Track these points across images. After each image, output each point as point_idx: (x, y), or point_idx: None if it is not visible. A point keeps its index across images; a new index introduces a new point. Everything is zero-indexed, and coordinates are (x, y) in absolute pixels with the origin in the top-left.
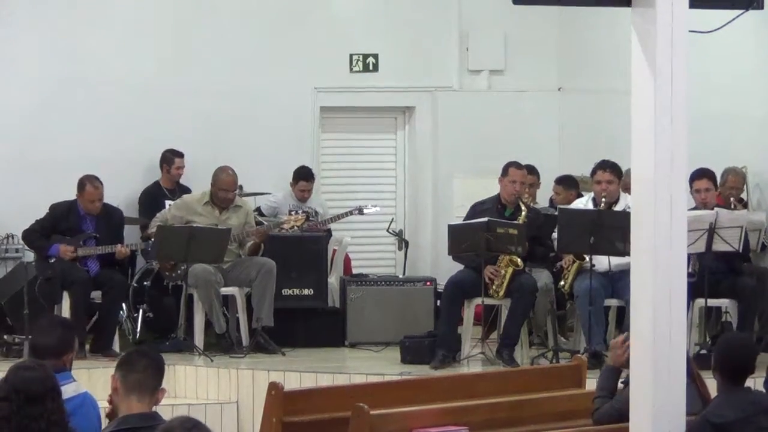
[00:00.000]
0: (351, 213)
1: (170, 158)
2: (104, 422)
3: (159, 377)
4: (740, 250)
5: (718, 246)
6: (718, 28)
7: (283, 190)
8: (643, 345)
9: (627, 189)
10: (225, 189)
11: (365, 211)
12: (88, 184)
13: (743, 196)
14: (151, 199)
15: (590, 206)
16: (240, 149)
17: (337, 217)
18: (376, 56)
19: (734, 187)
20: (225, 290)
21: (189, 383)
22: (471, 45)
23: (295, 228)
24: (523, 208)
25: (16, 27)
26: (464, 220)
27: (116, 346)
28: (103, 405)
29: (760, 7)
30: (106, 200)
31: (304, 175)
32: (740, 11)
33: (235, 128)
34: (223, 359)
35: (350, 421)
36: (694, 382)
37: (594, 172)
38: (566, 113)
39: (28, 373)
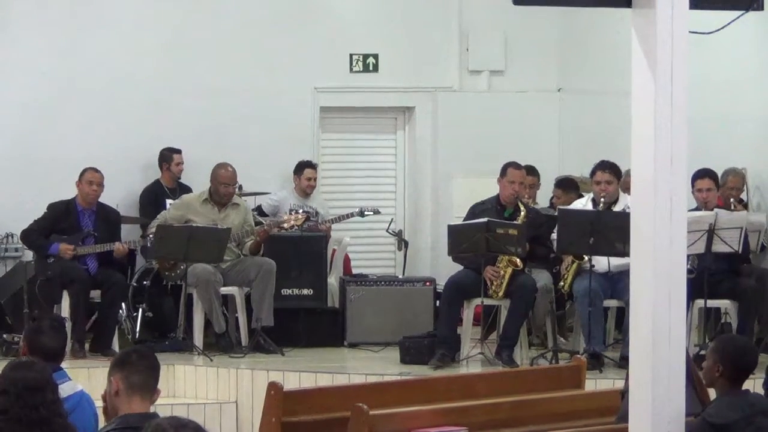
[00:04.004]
0: (352, 215)
1: (168, 156)
2: (102, 420)
3: (158, 377)
4: (740, 251)
5: (718, 247)
6: (719, 29)
7: (283, 190)
8: (642, 346)
9: (627, 189)
10: (225, 183)
11: (366, 213)
12: (89, 170)
13: (743, 196)
14: (152, 198)
15: (590, 207)
16: (240, 149)
17: (338, 219)
18: (376, 56)
19: (734, 187)
20: (224, 290)
21: (188, 383)
22: (471, 45)
23: (295, 227)
24: (522, 208)
25: (16, 27)
26: (463, 221)
27: (116, 346)
28: (100, 404)
29: (761, 8)
30: (106, 200)
31: (308, 163)
32: (741, 12)
33: (236, 128)
34: (223, 359)
35: (349, 421)
36: (693, 383)
37: (593, 173)
38: (566, 114)
39: (24, 368)
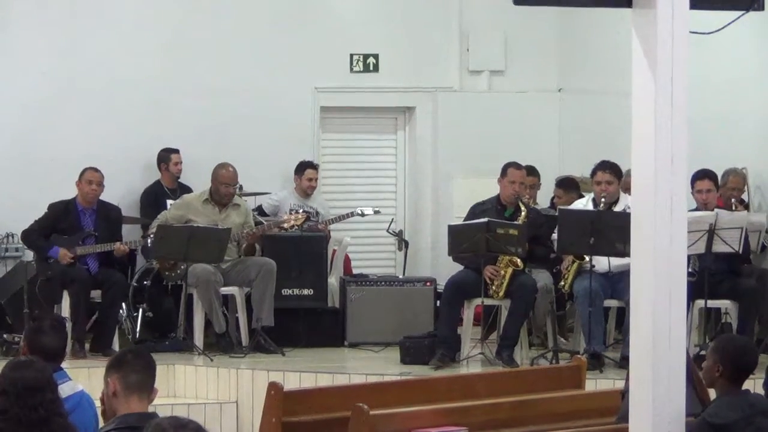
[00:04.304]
0: (352, 215)
1: (166, 156)
2: (101, 422)
3: (154, 376)
4: (740, 252)
5: (718, 247)
6: (719, 29)
7: (283, 190)
8: (642, 346)
9: (627, 189)
10: (226, 183)
11: (366, 212)
12: (88, 169)
13: (744, 197)
14: (153, 198)
15: (590, 207)
16: (241, 149)
17: (338, 219)
18: (376, 56)
19: (735, 188)
20: (225, 290)
21: (188, 383)
22: (471, 45)
23: (295, 227)
24: (522, 208)
25: (16, 26)
26: (464, 221)
27: (116, 346)
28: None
29: (761, 8)
30: (106, 199)
31: (309, 164)
32: (741, 12)
33: (236, 128)
34: (223, 359)
35: (350, 421)
36: (693, 383)
37: (594, 173)
38: (566, 114)
39: (24, 367)
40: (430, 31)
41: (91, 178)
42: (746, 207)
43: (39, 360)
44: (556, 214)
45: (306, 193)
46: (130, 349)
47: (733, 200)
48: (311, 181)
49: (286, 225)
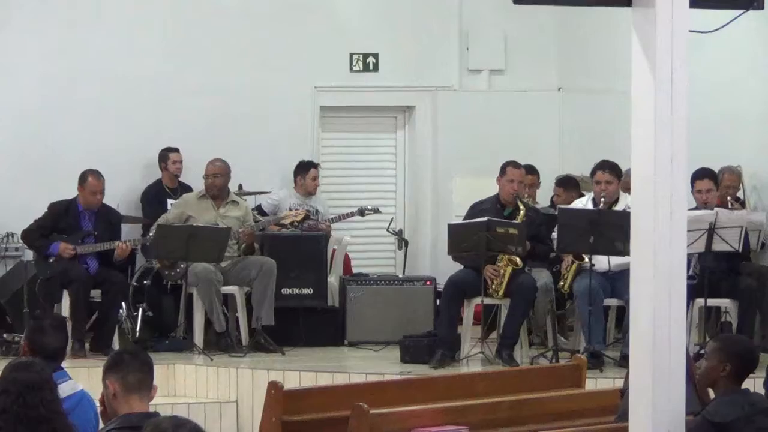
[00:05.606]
0: (352, 214)
1: (165, 155)
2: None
3: (152, 374)
4: (740, 250)
5: (718, 246)
6: (719, 28)
7: (283, 189)
8: (642, 345)
9: (627, 189)
10: (206, 175)
11: (366, 212)
12: (91, 176)
13: (740, 194)
14: (153, 197)
15: (590, 206)
16: (240, 148)
17: (338, 218)
18: (376, 56)
19: (730, 186)
20: (225, 289)
21: (188, 382)
22: (471, 45)
23: (295, 223)
24: (521, 207)
25: (16, 26)
26: (463, 220)
27: (116, 345)
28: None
29: (761, 7)
30: (106, 200)
31: (312, 163)
32: (741, 11)
33: (236, 127)
34: (223, 358)
35: (350, 420)
36: (693, 382)
37: (593, 173)
38: (566, 113)
39: (24, 367)
40: (429, 30)
41: (94, 188)
42: (743, 204)
43: (39, 360)
44: (556, 213)
45: (309, 192)
46: (126, 350)
47: (729, 198)
48: (315, 180)
49: (286, 221)
